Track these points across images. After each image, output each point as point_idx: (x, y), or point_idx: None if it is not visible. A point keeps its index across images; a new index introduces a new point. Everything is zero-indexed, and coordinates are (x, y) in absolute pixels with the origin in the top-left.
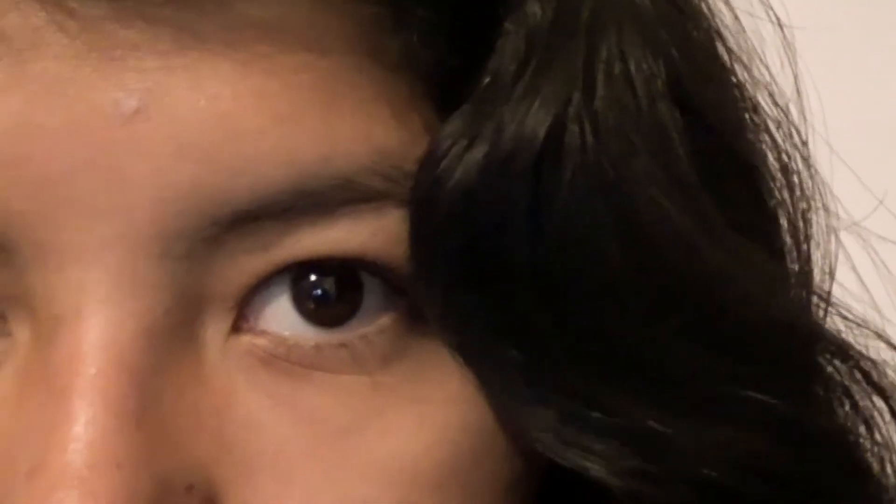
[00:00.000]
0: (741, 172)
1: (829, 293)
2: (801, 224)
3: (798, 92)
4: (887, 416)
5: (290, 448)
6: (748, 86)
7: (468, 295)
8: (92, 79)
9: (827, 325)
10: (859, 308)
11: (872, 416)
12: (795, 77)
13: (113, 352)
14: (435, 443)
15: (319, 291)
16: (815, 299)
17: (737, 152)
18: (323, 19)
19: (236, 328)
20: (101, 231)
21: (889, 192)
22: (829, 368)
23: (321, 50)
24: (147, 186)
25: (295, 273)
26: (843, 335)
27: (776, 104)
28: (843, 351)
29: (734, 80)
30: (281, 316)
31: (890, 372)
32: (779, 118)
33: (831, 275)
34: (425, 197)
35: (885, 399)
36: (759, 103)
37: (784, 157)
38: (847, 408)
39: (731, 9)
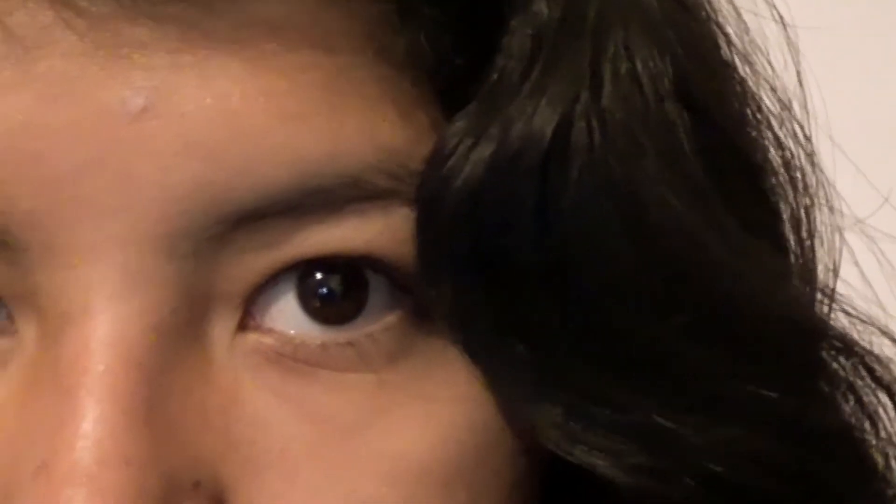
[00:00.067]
0: (746, 170)
1: (833, 290)
2: (804, 220)
3: (801, 90)
4: (892, 412)
5: (296, 446)
6: (751, 82)
7: (475, 292)
8: (99, 77)
9: (831, 322)
10: (864, 305)
11: (877, 412)
12: (799, 76)
13: (121, 349)
14: (441, 441)
15: (325, 290)
16: (819, 296)
17: (742, 149)
18: (329, 18)
19: (243, 326)
20: (108, 229)
21: (894, 190)
22: (834, 365)
23: (328, 48)
24: (154, 184)
25: (301, 271)
26: (848, 332)
27: (779, 101)
28: (848, 347)
29: (737, 76)
30: (287, 314)
31: (894, 368)
32: (782, 115)
33: (835, 272)
34: (432, 195)
35: (890, 395)
36: (762, 99)
37: (787, 153)
38: (852, 404)
39: (735, 8)
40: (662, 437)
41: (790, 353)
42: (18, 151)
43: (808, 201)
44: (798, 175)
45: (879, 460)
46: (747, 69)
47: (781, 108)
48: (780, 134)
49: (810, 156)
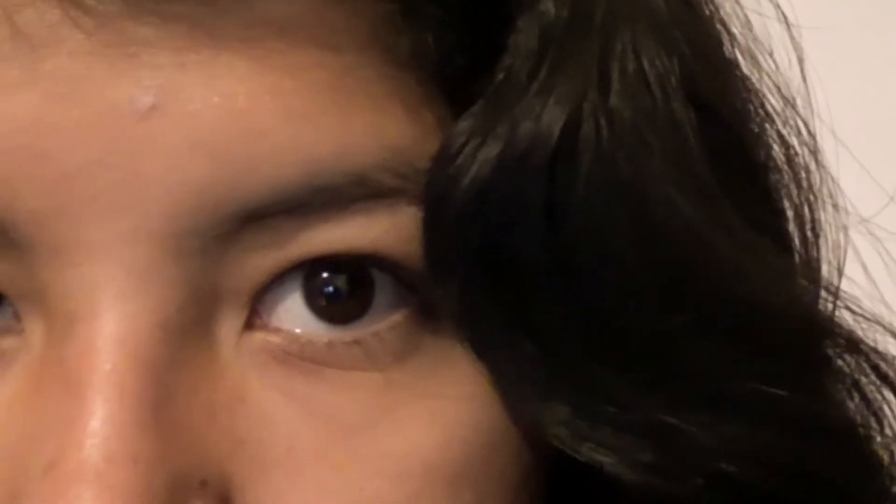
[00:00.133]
0: (751, 168)
1: (837, 288)
2: (808, 218)
3: (805, 89)
4: None
5: (302, 444)
6: (755, 80)
7: (482, 291)
8: (107, 75)
9: (836, 320)
10: (868, 304)
11: (881, 409)
12: (803, 75)
13: (128, 347)
14: (447, 439)
15: (331, 288)
16: (824, 294)
17: (747, 148)
18: (336, 17)
19: (249, 325)
20: (115, 227)
21: None
22: (839, 362)
23: (334, 47)
24: (161, 183)
25: (307, 270)
26: (853, 330)
27: (783, 99)
28: (853, 344)
29: (741, 74)
30: (293, 313)
31: None
32: (786, 113)
33: (840, 270)
34: (439, 194)
35: (895, 392)
36: (766, 98)
37: (791, 151)
38: (857, 401)
39: (741, 7)
40: (669, 434)
41: (796, 350)
42: (26, 149)
43: (812, 199)
44: (802, 173)
45: (884, 457)
46: (751, 67)
47: (785, 107)
48: (785, 132)
49: (814, 153)
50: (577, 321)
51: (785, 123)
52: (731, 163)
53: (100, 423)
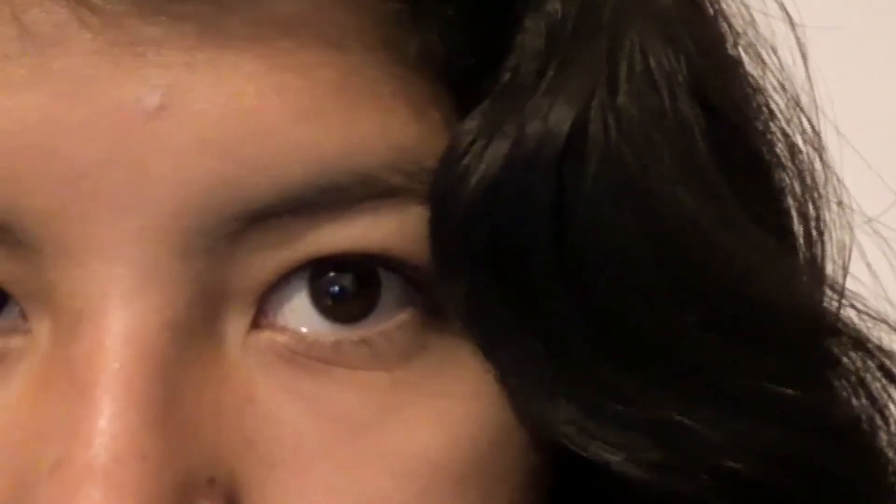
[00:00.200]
0: (757, 167)
1: (843, 287)
2: (813, 217)
3: (811, 88)
4: None
5: (309, 443)
6: (759, 78)
7: (490, 290)
8: (114, 75)
9: (841, 318)
10: (874, 302)
11: (887, 407)
12: (808, 74)
13: (136, 346)
14: (454, 438)
15: (337, 288)
16: (829, 292)
17: (753, 146)
18: (343, 16)
19: (256, 324)
20: (123, 226)
21: None
22: (845, 360)
23: (342, 46)
24: (169, 182)
25: (313, 269)
26: (858, 328)
27: (788, 97)
28: (859, 342)
29: (746, 72)
30: (299, 312)
31: None
32: (791, 112)
33: (845, 269)
34: (447, 193)
35: None
36: (770, 95)
37: (795, 149)
38: (862, 399)
39: (746, 7)
40: (676, 432)
41: (802, 349)
42: (33, 148)
43: (817, 198)
44: (807, 172)
45: (890, 454)
46: (756, 65)
47: (789, 105)
48: (789, 131)
49: (819, 152)
50: (584, 319)
51: (789, 122)
52: (737, 161)
53: (108, 421)
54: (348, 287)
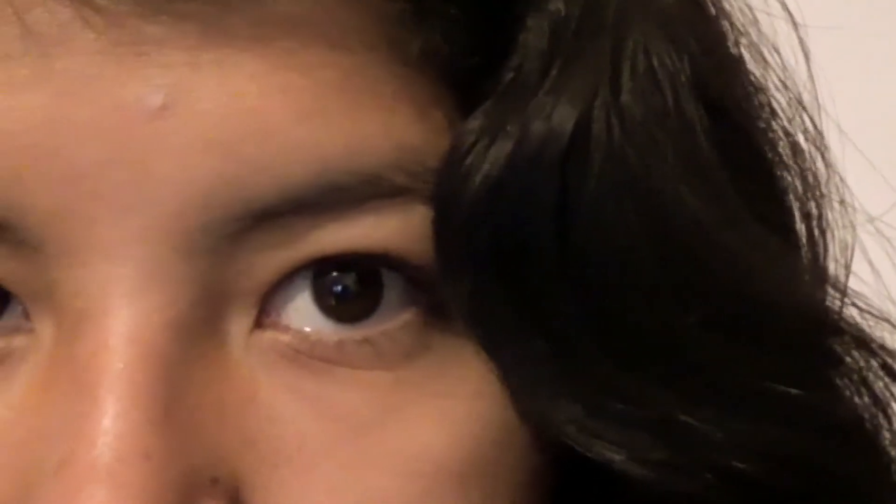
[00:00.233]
0: (760, 166)
1: (845, 286)
2: (815, 216)
3: (813, 87)
4: None
5: (312, 443)
6: (761, 76)
7: (494, 289)
8: (118, 75)
9: (844, 317)
10: (876, 301)
11: (890, 406)
12: (810, 73)
13: (140, 345)
14: (457, 437)
15: (340, 287)
16: (832, 292)
17: (756, 146)
18: (346, 15)
19: (259, 324)
20: (126, 226)
21: None
22: (848, 359)
23: (345, 46)
24: (172, 182)
25: (316, 269)
26: (861, 327)
27: (790, 97)
28: (861, 341)
29: (747, 70)
30: (302, 312)
31: None
32: (793, 111)
33: (847, 268)
34: (450, 193)
35: None
36: (772, 94)
37: (798, 148)
38: (865, 398)
39: (749, 7)
40: (680, 431)
41: (805, 347)
42: (36, 148)
43: (819, 197)
44: (809, 171)
45: (893, 453)
46: (757, 64)
47: (792, 104)
48: (791, 130)
49: (821, 151)
50: (588, 319)
51: (791, 121)
52: (740, 161)
53: (111, 421)
54: (351, 287)
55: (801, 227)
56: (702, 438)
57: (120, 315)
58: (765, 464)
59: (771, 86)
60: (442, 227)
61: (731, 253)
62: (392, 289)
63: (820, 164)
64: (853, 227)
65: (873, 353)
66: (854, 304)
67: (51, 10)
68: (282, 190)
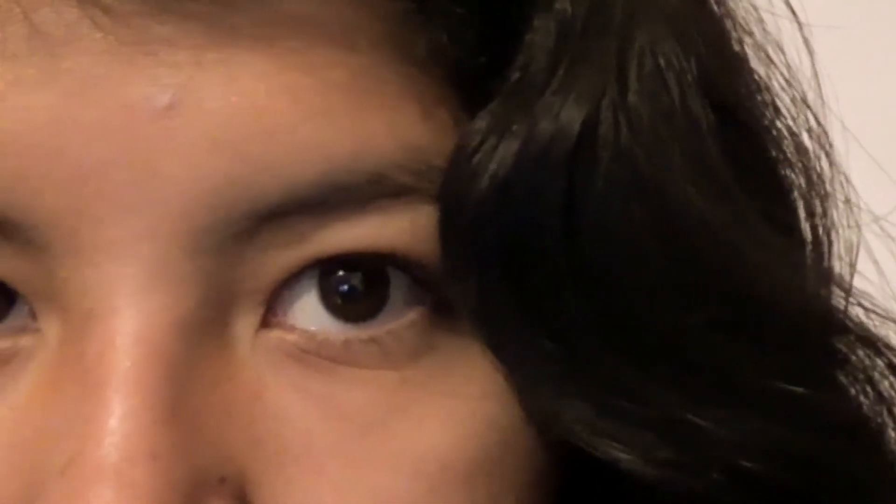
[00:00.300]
0: (766, 165)
1: (850, 285)
2: (820, 214)
3: (818, 86)
4: None
5: (319, 442)
6: (765, 75)
7: (500, 289)
8: (125, 74)
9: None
10: (881, 300)
11: (895, 404)
12: (815, 73)
13: (147, 345)
14: (463, 437)
15: (346, 287)
16: (837, 291)
17: (761, 145)
18: (353, 15)
19: (266, 323)
20: (133, 225)
21: None
22: (853, 358)
23: (351, 46)
24: (179, 181)
25: (323, 268)
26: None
27: (795, 96)
28: (867, 340)
29: (751, 69)
30: (309, 311)
31: None
32: (798, 110)
33: (852, 267)
34: (457, 192)
35: None
36: (777, 93)
37: (802, 147)
38: (871, 397)
39: (754, 7)
40: (687, 430)
41: (811, 346)
42: (43, 147)
43: (824, 196)
44: (814, 171)
45: None
46: (762, 63)
47: (796, 103)
48: (796, 129)
49: (825, 149)
50: (595, 318)
51: (796, 120)
52: (746, 160)
53: (118, 420)
54: (357, 286)
55: (805, 226)
56: (708, 437)
57: (126, 315)
58: (770, 463)
59: (775, 85)
60: (448, 227)
61: (737, 252)
62: (398, 288)
63: (824, 163)
64: (858, 226)
65: (878, 352)
66: (859, 304)
67: (58, 10)
68: (288, 189)
